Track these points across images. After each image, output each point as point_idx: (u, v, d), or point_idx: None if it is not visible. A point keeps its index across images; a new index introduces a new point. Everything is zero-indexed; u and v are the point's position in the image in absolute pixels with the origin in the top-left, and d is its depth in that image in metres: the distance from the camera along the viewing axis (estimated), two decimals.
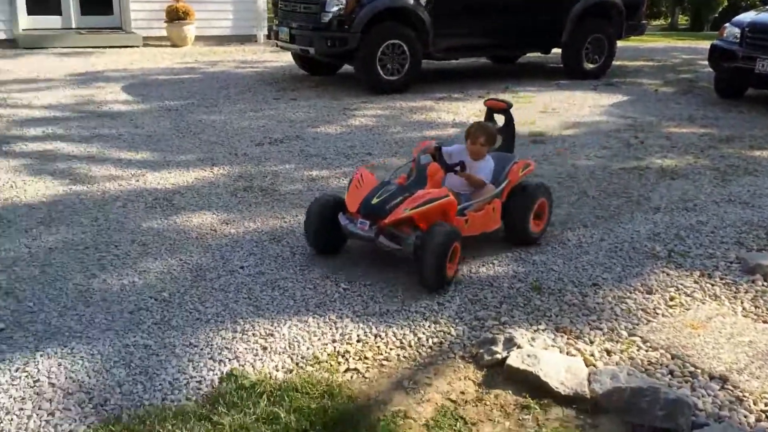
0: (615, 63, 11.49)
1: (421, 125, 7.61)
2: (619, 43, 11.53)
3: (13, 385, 3.02)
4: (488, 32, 9.96)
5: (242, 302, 3.79)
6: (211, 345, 3.38)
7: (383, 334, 3.51)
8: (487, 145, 4.41)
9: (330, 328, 3.56)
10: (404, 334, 3.53)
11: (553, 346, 3.42)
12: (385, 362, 3.30)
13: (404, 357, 3.35)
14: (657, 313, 3.76)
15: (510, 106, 4.87)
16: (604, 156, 6.64)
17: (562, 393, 3.02)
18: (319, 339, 3.47)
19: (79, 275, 4.01)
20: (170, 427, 2.76)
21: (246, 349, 3.36)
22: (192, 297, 3.82)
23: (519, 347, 3.31)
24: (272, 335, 3.48)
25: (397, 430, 2.83)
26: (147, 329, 3.48)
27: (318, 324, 3.59)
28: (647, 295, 3.95)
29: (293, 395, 2.99)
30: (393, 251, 3.99)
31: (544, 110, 8.54)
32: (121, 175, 5.71)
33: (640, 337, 3.53)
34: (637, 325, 3.64)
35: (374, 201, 4.00)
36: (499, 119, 4.96)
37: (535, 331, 3.55)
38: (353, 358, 3.32)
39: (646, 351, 3.41)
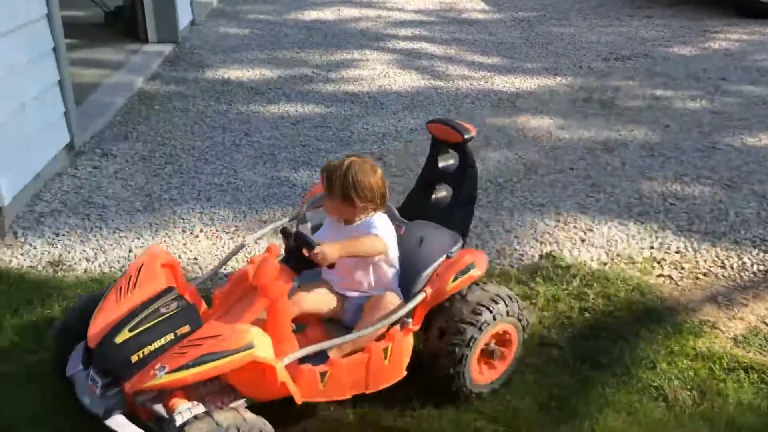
0: None
1: None
2: None
3: None
4: None
5: (567, 198, 4.10)
6: (535, 228, 3.78)
7: (705, 252, 3.53)
8: (344, 205, 2.45)
9: (650, 236, 3.69)
10: (728, 256, 3.50)
11: None
12: (701, 276, 3.36)
13: (723, 276, 3.36)
14: None
15: (467, 138, 2.72)
16: None
17: None
18: (637, 243, 3.64)
19: None
20: (494, 283, 3.27)
21: (566, 237, 3.70)
22: (522, 186, 4.25)
23: None
24: (591, 230, 3.75)
25: (702, 335, 2.93)
26: (483, 205, 4.02)
27: (638, 230, 3.75)
28: None
29: (604, 283, 3.26)
30: None
31: None
32: (473, 76, 6.30)
33: None
34: None
35: (119, 338, 2.17)
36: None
37: None
38: (668, 266, 3.44)
39: None
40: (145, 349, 2.15)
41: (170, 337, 2.17)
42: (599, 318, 3.04)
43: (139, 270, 2.36)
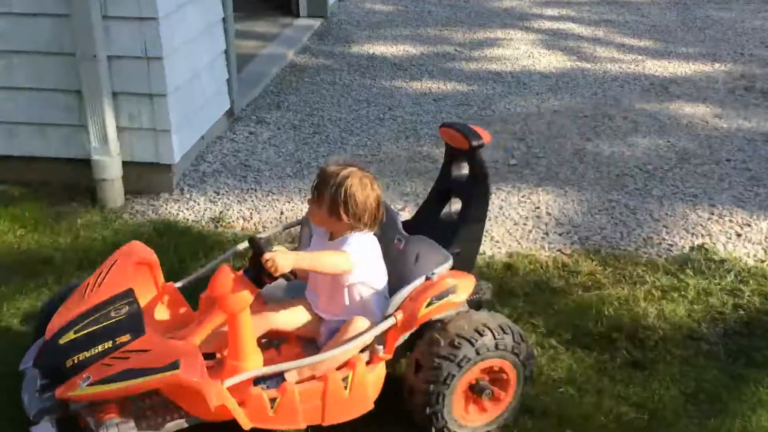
0: None
1: None
2: None
3: (520, 205, 3.83)
4: None
5: (723, 191, 3.90)
6: (686, 219, 3.64)
7: None
8: (330, 216, 2.23)
9: None
10: None
11: None
12: None
13: None
14: None
15: (475, 145, 2.39)
16: None
17: None
18: None
19: (576, 136, 4.63)
20: (640, 272, 3.20)
21: (720, 231, 3.53)
22: (674, 175, 4.08)
23: None
24: (749, 225, 3.56)
25: None
26: (629, 192, 3.91)
27: None
28: None
29: (761, 281, 3.11)
30: None
31: None
32: (622, 59, 6.07)
33: None
34: None
35: (64, 339, 2.08)
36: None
37: None
38: None
39: None
40: (81, 354, 1.99)
41: (108, 344, 2.00)
42: (754, 316, 2.89)
43: (111, 267, 2.23)
